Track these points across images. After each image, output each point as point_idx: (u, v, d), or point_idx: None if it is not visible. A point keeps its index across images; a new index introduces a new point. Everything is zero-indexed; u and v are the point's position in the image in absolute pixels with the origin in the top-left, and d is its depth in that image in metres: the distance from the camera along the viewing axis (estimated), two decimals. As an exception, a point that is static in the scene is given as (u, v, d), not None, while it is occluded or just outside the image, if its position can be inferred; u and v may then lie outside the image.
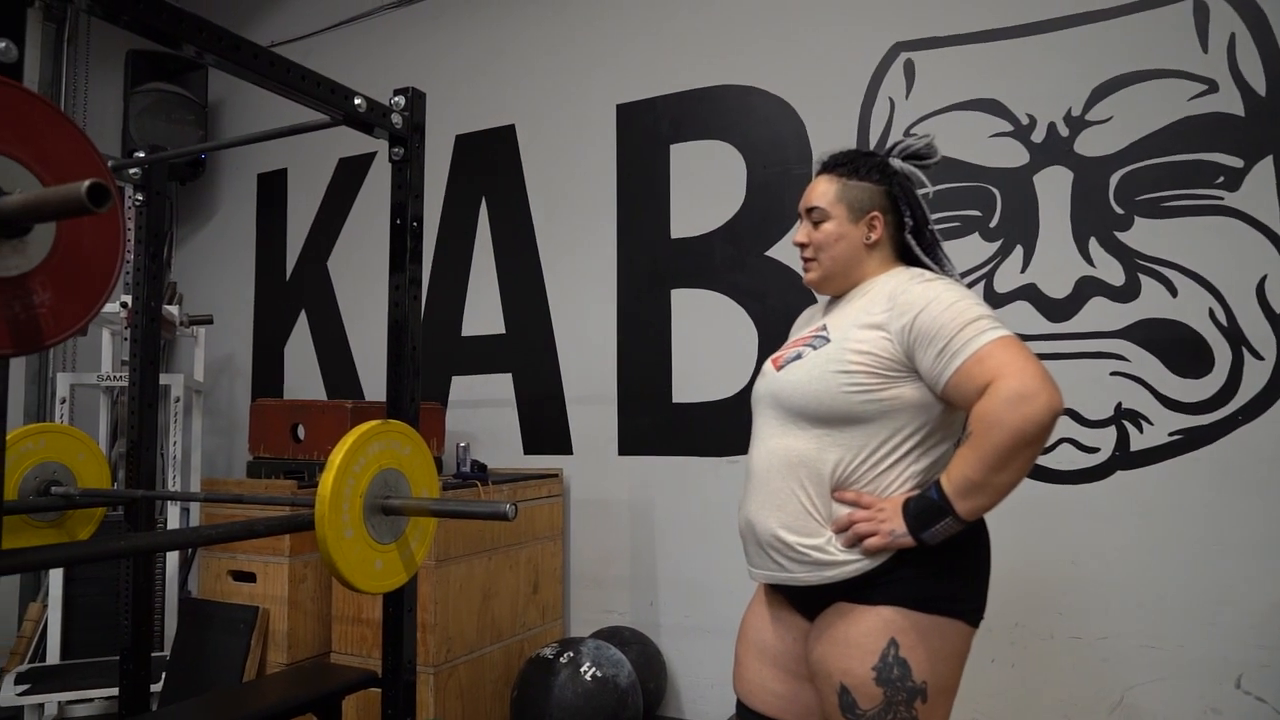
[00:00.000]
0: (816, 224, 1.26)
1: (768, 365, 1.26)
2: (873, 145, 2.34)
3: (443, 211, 2.96)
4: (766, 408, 1.21)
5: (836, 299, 1.29)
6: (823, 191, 1.26)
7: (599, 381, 2.63)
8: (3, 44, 0.79)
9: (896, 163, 1.26)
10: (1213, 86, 1.98)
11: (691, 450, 2.50)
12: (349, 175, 3.13)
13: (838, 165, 1.27)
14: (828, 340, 1.20)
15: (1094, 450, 2.03)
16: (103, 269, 0.85)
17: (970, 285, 2.20)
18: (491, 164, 2.89)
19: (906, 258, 1.27)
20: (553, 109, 2.79)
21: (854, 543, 1.09)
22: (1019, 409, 1.01)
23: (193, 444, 2.81)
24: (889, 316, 1.15)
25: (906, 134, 2.31)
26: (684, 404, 2.53)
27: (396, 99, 1.34)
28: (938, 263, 1.26)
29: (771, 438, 1.19)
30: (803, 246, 1.27)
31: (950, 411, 1.14)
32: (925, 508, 1.07)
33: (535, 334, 2.74)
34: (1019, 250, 2.18)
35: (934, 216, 2.19)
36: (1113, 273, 2.06)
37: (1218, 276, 1.97)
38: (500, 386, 2.78)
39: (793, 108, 2.45)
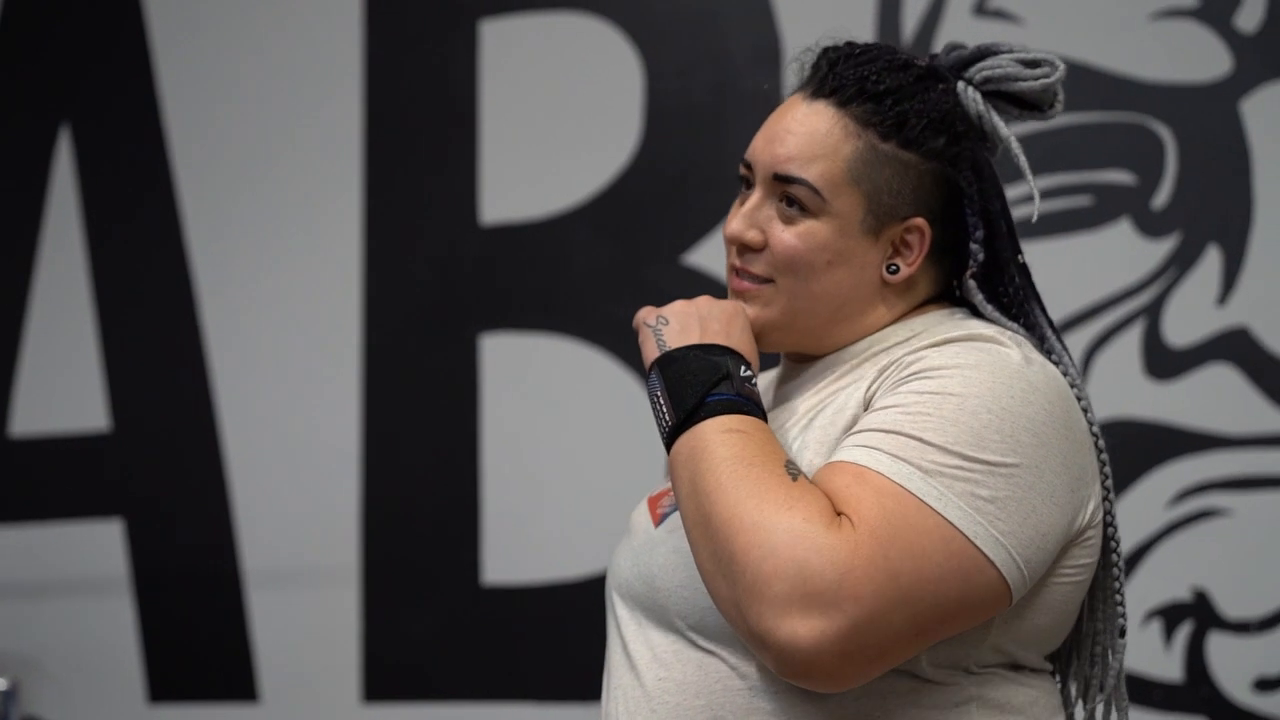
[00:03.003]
0: (791, 206, 1.26)
1: (639, 512, 1.33)
2: (908, 34, 2.35)
3: None
4: (636, 604, 1.27)
5: (796, 363, 1.34)
6: (821, 148, 1.26)
7: (322, 536, 2.61)
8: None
9: (970, 97, 1.27)
10: None
11: (526, 689, 2.50)
12: None
13: (861, 94, 1.27)
14: None
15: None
16: None
17: (1091, 345, 2.24)
18: (87, 50, 2.81)
19: (955, 302, 1.34)
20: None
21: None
22: (801, 575, 1.06)
23: None
24: (869, 398, 1.20)
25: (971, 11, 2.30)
26: (508, 588, 2.52)
27: None
28: (1031, 330, 1.30)
29: (648, 669, 1.22)
30: (743, 250, 1.28)
31: (1016, 618, 1.17)
32: (698, 372, 1.19)
33: (178, 432, 2.71)
34: (1213, 256, 2.22)
35: (1014, 198, 2.25)
36: None
37: None
38: (96, 548, 2.71)
39: (743, -51, 2.51)
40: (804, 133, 1.25)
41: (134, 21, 2.76)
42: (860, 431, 1.15)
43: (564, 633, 2.44)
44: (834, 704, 1.15)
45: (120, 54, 2.76)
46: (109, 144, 2.77)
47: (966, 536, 1.07)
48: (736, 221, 1.27)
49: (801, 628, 1.04)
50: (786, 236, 1.25)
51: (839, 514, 1.08)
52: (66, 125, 2.77)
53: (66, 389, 2.73)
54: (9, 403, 2.76)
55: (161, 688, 2.63)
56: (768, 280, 1.26)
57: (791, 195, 1.24)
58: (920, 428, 1.11)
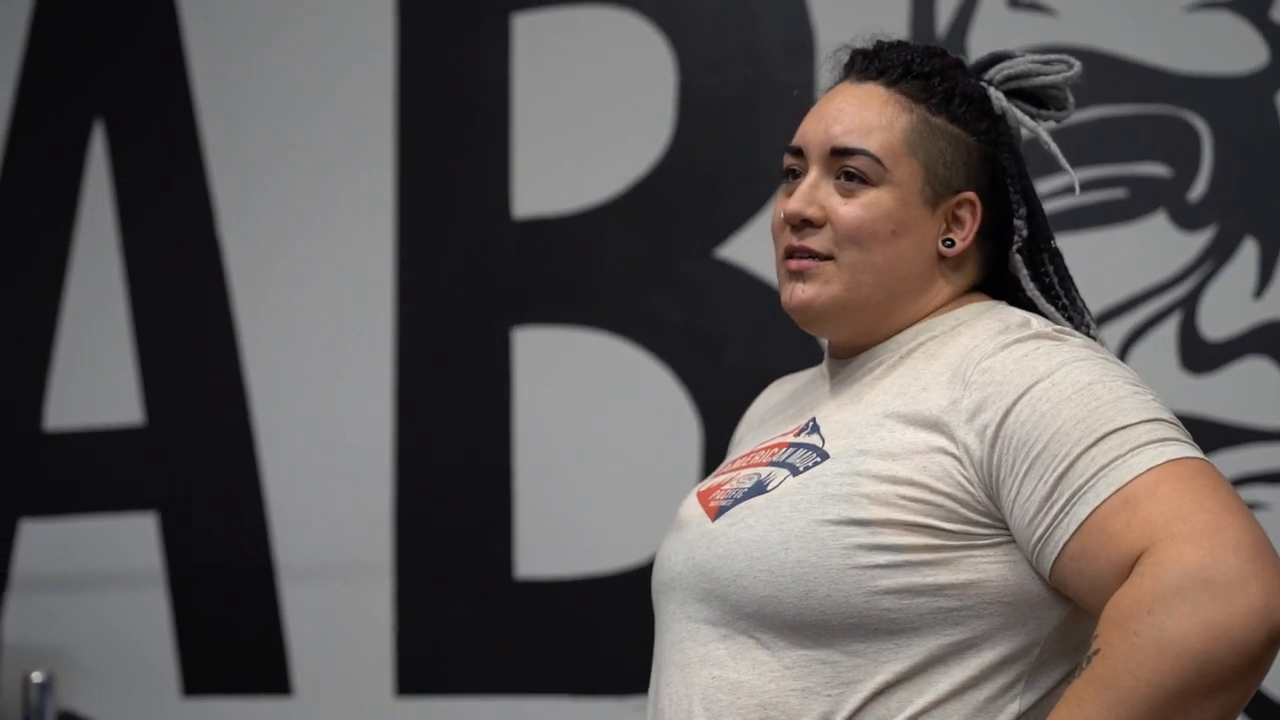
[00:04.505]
0: (850, 181, 1.28)
1: (690, 506, 1.33)
2: (943, 25, 2.38)
3: (5, 149, 2.89)
4: (689, 599, 1.26)
5: (844, 360, 1.34)
6: (877, 121, 1.29)
7: (355, 532, 2.63)
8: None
9: (994, 95, 1.32)
10: None
11: (558, 683, 2.50)
12: None
13: (907, 73, 1.31)
14: (821, 455, 1.23)
15: None
16: None
17: (1127, 338, 2.25)
18: (121, 45, 2.84)
19: (998, 291, 1.34)
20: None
21: None
22: (1198, 611, 1.03)
23: None
24: (954, 406, 1.19)
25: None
26: (541, 581, 2.54)
27: None
28: (1066, 311, 1.34)
29: (701, 665, 1.23)
30: (801, 226, 1.29)
31: (1080, 617, 1.17)
32: None
33: (212, 427, 2.74)
34: (1249, 249, 2.22)
35: (1047, 191, 2.20)
36: None
37: None
38: (131, 542, 2.73)
39: (776, -52, 2.51)
40: (858, 109, 1.28)
41: (167, 15, 2.77)
42: (1056, 485, 1.13)
43: (598, 626, 2.46)
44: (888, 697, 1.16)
45: (153, 47, 2.78)
46: (142, 138, 2.79)
47: (1206, 463, 1.11)
48: (794, 200, 1.28)
49: (1238, 608, 1.03)
50: (850, 208, 1.27)
51: (1141, 551, 1.07)
52: (100, 119, 2.79)
53: (100, 383, 2.76)
54: (43, 396, 2.78)
55: (195, 681, 2.65)
56: (828, 258, 1.27)
57: (851, 168, 1.27)
58: (1107, 419, 1.12)
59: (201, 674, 2.66)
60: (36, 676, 2.37)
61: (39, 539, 2.76)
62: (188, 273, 2.75)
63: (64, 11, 2.85)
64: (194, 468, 2.72)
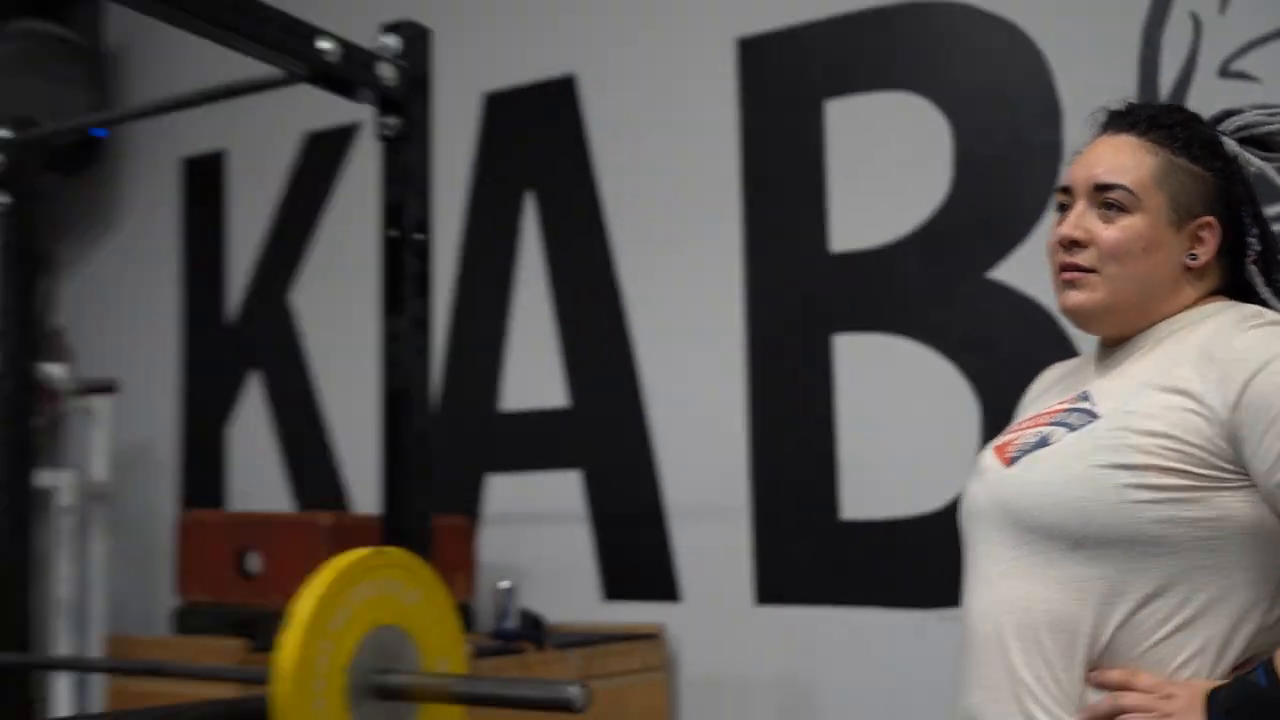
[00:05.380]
0: (1109, 210, 1.34)
1: (988, 457, 1.38)
2: (1165, 92, 2.47)
3: (468, 215, 3.21)
4: (990, 528, 1.32)
5: (1110, 349, 1.40)
6: (1130, 162, 1.35)
7: (721, 484, 2.83)
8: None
9: (1228, 142, 1.38)
10: None
11: (875, 598, 2.65)
12: (319, 161, 3.38)
13: (1153, 125, 1.37)
14: (1094, 416, 1.30)
15: None
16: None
17: None
18: (542, 138, 3.12)
19: (1237, 297, 1.40)
20: (636, 49, 3.00)
21: None
22: None
23: (91, 579, 3.05)
24: (1203, 377, 1.24)
25: (1220, 69, 2.38)
26: (859, 522, 2.69)
27: (387, 40, 1.39)
28: None
29: (1001, 579, 1.29)
30: (1071, 246, 1.35)
31: None
32: (1248, 700, 1.14)
33: (617, 408, 2.98)
34: None
35: (1275, 215, 2.02)
36: None
37: None
38: (563, 491, 3.01)
39: (1026, 34, 2.59)
40: (1115, 154, 1.37)
41: (573, 117, 3.07)
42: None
43: (908, 559, 2.61)
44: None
45: (566, 138, 3.07)
46: (564, 204, 3.10)
47: None
48: (1066, 225, 1.36)
49: None
50: (1110, 231, 1.34)
51: None
52: (532, 192, 3.14)
53: (537, 378, 3.08)
54: (498, 388, 3.13)
55: (614, 586, 2.97)
56: (1092, 270, 1.35)
57: (1111, 200, 1.34)
58: None
59: (616, 582, 2.97)
60: (503, 584, 2.68)
61: (500, 489, 3.12)
62: (596, 300, 3.04)
63: (503, 111, 3.18)
64: (605, 438, 3.01)
